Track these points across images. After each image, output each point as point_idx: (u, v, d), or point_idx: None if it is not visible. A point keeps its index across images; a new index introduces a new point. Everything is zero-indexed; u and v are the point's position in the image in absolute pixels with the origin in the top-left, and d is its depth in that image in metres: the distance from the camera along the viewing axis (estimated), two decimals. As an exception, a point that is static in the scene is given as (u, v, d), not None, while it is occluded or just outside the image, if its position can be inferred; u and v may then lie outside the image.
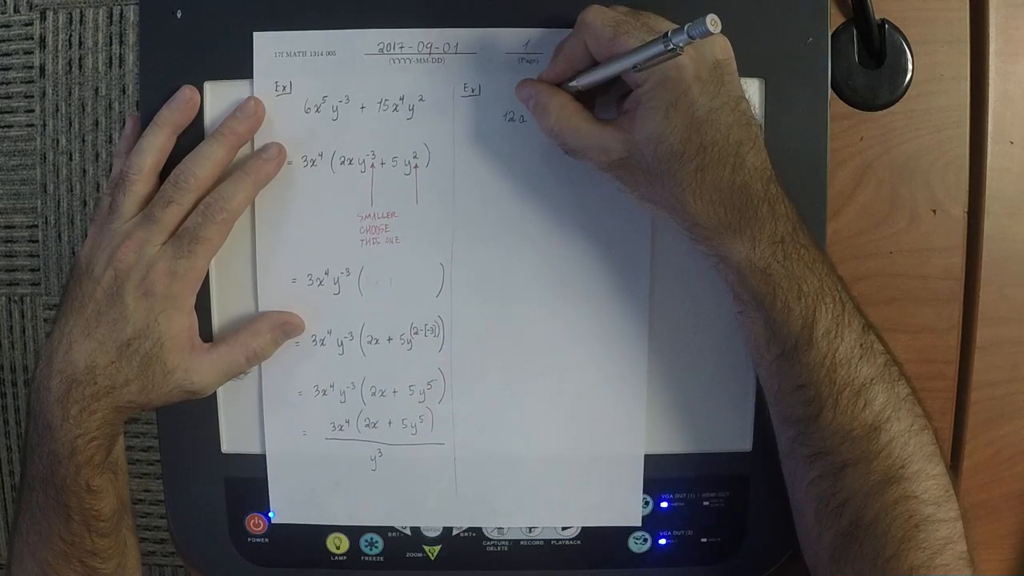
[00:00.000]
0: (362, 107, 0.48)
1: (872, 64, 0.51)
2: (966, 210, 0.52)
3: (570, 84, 0.45)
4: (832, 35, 0.49)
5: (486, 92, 0.48)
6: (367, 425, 0.50)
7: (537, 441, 0.50)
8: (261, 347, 0.48)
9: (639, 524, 0.50)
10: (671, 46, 0.38)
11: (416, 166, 0.48)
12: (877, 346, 0.43)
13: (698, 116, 0.41)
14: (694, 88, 0.41)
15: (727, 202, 0.42)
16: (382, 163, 0.48)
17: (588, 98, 0.46)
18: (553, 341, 0.49)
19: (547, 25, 0.47)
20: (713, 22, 0.36)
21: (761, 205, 0.42)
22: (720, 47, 0.42)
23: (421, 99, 0.48)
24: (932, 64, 0.51)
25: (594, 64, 0.44)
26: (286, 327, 0.48)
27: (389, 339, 0.49)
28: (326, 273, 0.49)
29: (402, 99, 0.48)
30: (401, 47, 0.48)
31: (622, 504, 0.50)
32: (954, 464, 0.54)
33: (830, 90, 0.48)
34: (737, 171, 0.42)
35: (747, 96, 0.43)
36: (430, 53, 0.48)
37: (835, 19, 0.51)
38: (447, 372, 0.49)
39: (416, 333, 0.49)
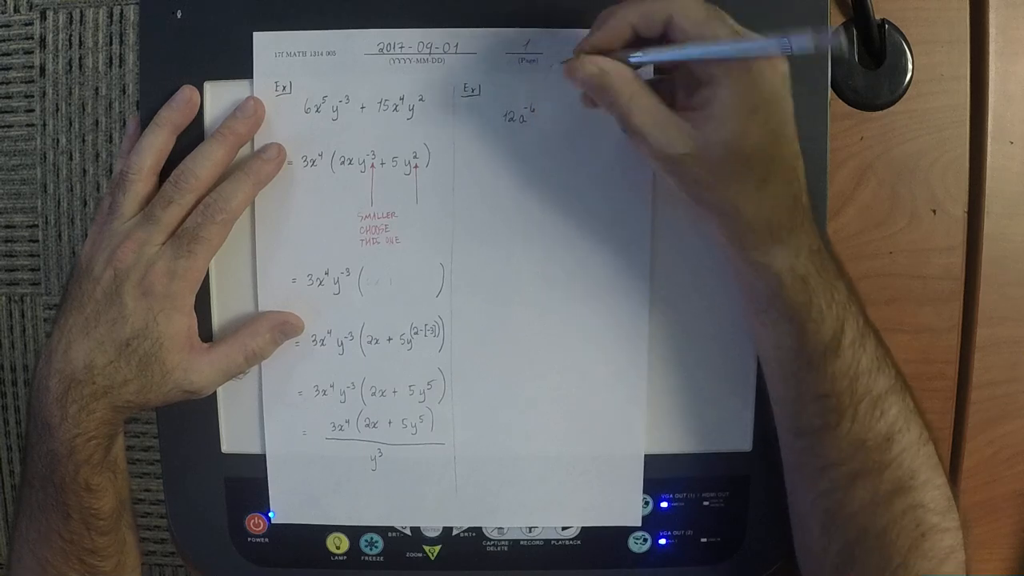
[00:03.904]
0: (362, 107, 0.48)
1: (872, 64, 0.51)
2: (966, 210, 0.52)
3: (632, 58, 0.41)
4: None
5: (486, 92, 0.48)
6: (367, 425, 0.50)
7: (537, 441, 0.50)
8: (260, 347, 0.48)
9: (639, 524, 0.50)
10: (787, 48, 0.36)
11: (416, 166, 0.48)
12: (889, 358, 0.44)
13: (773, 127, 0.40)
14: (774, 99, 0.40)
15: (781, 212, 0.42)
16: (382, 163, 0.48)
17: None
18: (553, 341, 0.49)
19: (547, 25, 0.47)
20: (838, 36, 0.33)
21: (804, 217, 0.42)
22: (784, 60, 0.40)
23: (421, 99, 0.48)
24: (932, 64, 0.51)
25: (657, 42, 0.40)
26: (285, 327, 0.48)
27: (389, 339, 0.49)
28: (326, 273, 0.49)
29: (402, 99, 0.48)
30: (401, 47, 0.48)
31: (622, 504, 0.50)
32: (954, 464, 0.54)
33: (830, 90, 0.48)
34: (792, 183, 0.42)
35: None
36: (430, 53, 0.48)
37: (835, 19, 0.51)
38: (447, 372, 0.49)
39: (416, 333, 0.49)
